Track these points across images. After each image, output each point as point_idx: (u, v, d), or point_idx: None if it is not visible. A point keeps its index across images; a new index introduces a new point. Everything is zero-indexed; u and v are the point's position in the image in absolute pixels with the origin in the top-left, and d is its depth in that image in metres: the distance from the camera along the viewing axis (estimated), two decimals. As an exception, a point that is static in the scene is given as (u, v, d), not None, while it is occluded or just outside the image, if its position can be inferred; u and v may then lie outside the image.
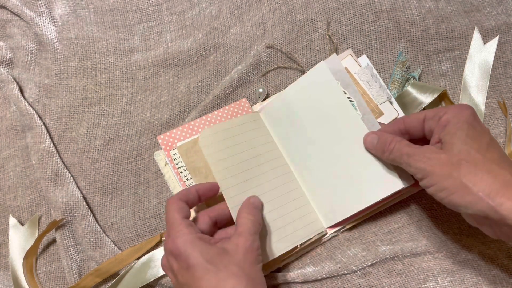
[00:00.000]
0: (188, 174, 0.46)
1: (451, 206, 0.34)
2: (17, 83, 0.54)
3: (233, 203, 0.42)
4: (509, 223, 0.31)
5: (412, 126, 0.39)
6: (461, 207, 0.33)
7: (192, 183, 0.46)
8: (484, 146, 0.34)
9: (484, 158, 0.33)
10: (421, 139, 0.40)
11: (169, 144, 0.47)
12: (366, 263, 0.43)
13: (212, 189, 0.42)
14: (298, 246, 0.43)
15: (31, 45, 0.55)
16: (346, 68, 0.47)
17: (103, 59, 0.54)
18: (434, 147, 0.36)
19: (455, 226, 0.45)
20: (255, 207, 0.41)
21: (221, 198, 0.43)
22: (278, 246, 0.43)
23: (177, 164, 0.46)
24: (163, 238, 0.48)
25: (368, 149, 0.41)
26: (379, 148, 0.39)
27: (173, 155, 0.47)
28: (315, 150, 0.45)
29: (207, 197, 0.42)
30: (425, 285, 0.42)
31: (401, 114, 0.46)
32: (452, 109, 0.36)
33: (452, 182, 0.33)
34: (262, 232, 0.43)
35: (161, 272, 0.45)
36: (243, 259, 0.35)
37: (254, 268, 0.35)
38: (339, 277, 0.43)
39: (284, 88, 0.50)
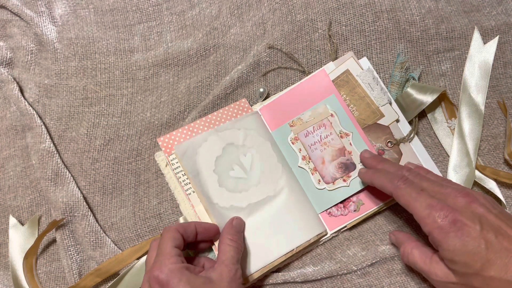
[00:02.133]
0: (187, 179, 0.46)
1: None
2: (17, 83, 0.54)
3: (217, 216, 0.43)
4: None
5: None
6: None
7: (190, 187, 0.46)
8: (485, 260, 0.33)
9: (489, 275, 0.33)
10: None
11: (169, 146, 0.47)
12: (366, 262, 0.43)
13: (210, 229, 0.43)
14: (295, 249, 0.44)
15: (31, 45, 0.55)
16: (347, 70, 0.48)
17: (103, 59, 0.54)
18: (443, 266, 0.36)
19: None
20: (237, 231, 0.42)
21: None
22: (276, 249, 0.43)
23: (175, 169, 0.47)
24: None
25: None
26: (398, 250, 0.42)
27: (172, 160, 0.47)
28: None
29: (204, 236, 0.42)
30: (425, 285, 0.42)
31: (401, 116, 0.47)
32: (435, 226, 0.35)
33: None
34: (260, 235, 0.43)
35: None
36: None
37: None
38: (339, 276, 0.43)
39: (284, 88, 0.50)
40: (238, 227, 0.42)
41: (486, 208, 0.35)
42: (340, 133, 0.47)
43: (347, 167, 0.46)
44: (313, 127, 0.47)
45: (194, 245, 0.43)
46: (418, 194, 0.36)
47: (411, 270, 0.43)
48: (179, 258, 0.37)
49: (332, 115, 0.47)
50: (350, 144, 0.46)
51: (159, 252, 0.38)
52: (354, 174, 0.45)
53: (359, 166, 0.45)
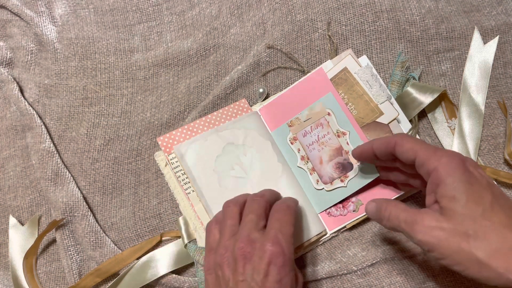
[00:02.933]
0: (186, 178, 0.46)
1: (471, 278, 0.31)
2: (17, 83, 0.54)
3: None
4: None
5: (382, 155, 0.38)
6: (481, 280, 0.30)
7: (190, 187, 0.46)
8: (488, 207, 0.30)
9: (492, 223, 0.30)
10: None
11: (169, 145, 0.47)
12: (366, 263, 0.43)
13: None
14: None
15: (31, 45, 0.55)
16: (345, 68, 0.48)
17: (103, 59, 0.54)
18: (433, 213, 0.32)
19: (455, 226, 0.45)
20: (292, 211, 0.38)
21: None
22: None
23: (175, 168, 0.47)
24: (163, 238, 0.48)
25: (372, 219, 0.39)
26: (378, 217, 0.36)
27: (171, 159, 0.47)
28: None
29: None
30: (425, 285, 0.42)
31: (401, 114, 0.46)
32: (442, 161, 0.32)
33: (464, 256, 0.30)
34: None
35: (161, 272, 0.45)
36: None
37: None
38: (339, 277, 0.43)
39: (284, 88, 0.50)
40: (290, 208, 0.38)
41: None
42: (337, 132, 0.46)
43: (344, 167, 0.46)
44: (311, 126, 0.47)
45: None
46: (424, 142, 0.35)
47: (411, 270, 0.42)
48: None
49: (329, 113, 0.47)
50: (347, 143, 0.46)
51: (282, 228, 0.35)
52: (352, 174, 0.45)
53: (356, 166, 0.45)
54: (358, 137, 0.46)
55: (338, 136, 0.46)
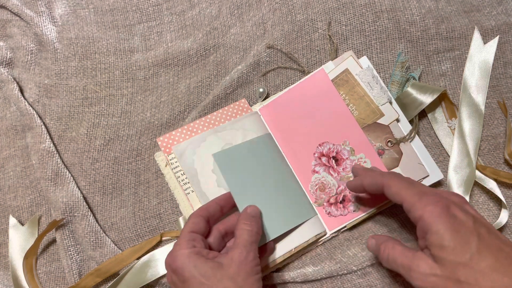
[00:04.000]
0: (186, 178, 0.46)
1: None
2: (17, 83, 0.54)
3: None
4: None
5: (373, 192, 0.39)
6: None
7: (189, 187, 0.46)
8: (475, 252, 0.31)
9: (481, 268, 0.31)
10: None
11: (169, 146, 0.47)
12: (366, 263, 0.43)
13: (229, 197, 0.43)
14: (293, 249, 0.43)
15: (31, 45, 0.55)
16: (347, 70, 0.48)
17: (103, 59, 0.54)
18: (427, 259, 0.33)
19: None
20: (253, 215, 0.41)
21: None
22: (275, 250, 0.43)
23: (174, 168, 0.46)
24: (163, 238, 0.48)
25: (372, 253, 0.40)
26: (378, 256, 0.38)
27: (171, 159, 0.47)
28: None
29: (228, 207, 0.43)
30: (425, 285, 0.42)
31: (401, 115, 0.47)
32: (427, 209, 0.33)
33: None
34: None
35: (161, 272, 0.45)
36: (236, 272, 0.35)
37: (249, 280, 0.36)
38: (339, 277, 0.43)
39: (284, 88, 0.50)
40: (252, 213, 0.41)
41: (478, 213, 0.34)
42: None
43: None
44: None
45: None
46: (410, 184, 0.36)
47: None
48: (192, 242, 0.37)
49: None
50: None
51: (178, 238, 0.39)
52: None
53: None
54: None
55: None
